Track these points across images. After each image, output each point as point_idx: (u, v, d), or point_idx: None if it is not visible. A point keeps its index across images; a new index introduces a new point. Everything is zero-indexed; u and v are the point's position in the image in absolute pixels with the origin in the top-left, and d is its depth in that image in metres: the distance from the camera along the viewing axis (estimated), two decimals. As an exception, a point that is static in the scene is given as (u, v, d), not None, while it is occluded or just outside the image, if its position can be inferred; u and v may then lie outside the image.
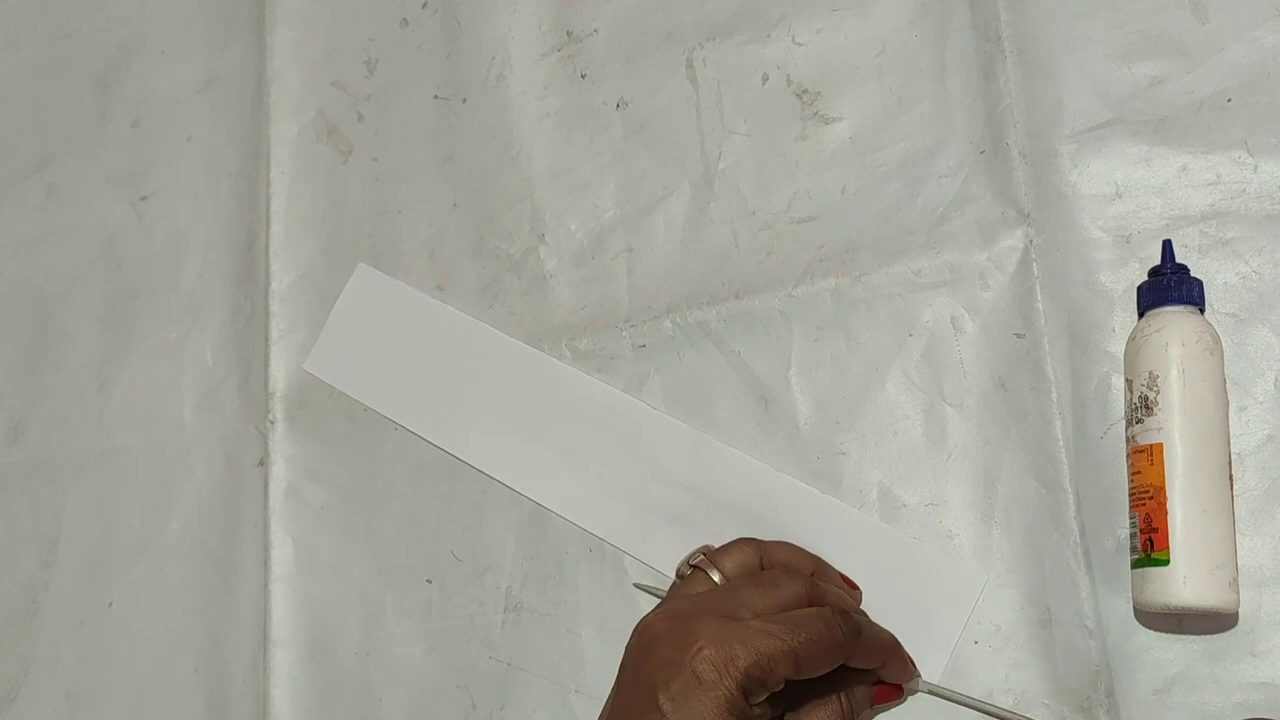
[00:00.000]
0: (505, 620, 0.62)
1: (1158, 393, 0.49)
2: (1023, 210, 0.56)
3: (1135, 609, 0.51)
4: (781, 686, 0.46)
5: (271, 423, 0.69)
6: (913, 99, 0.59)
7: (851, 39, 0.61)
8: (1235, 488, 0.50)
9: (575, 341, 0.63)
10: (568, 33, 0.67)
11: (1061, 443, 0.54)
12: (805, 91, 0.62)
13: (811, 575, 0.52)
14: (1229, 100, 0.54)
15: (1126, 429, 0.51)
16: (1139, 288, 0.53)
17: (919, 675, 0.53)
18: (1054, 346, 0.55)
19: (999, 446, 0.55)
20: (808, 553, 0.54)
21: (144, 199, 0.76)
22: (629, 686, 0.47)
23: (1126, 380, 0.51)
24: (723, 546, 0.53)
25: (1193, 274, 0.52)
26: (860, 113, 0.60)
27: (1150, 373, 0.50)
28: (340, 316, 0.64)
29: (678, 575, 0.53)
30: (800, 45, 0.62)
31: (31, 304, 0.78)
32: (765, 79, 0.62)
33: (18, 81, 0.83)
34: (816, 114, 0.61)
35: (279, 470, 0.68)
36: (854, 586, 0.55)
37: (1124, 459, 0.52)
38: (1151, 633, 0.51)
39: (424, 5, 0.71)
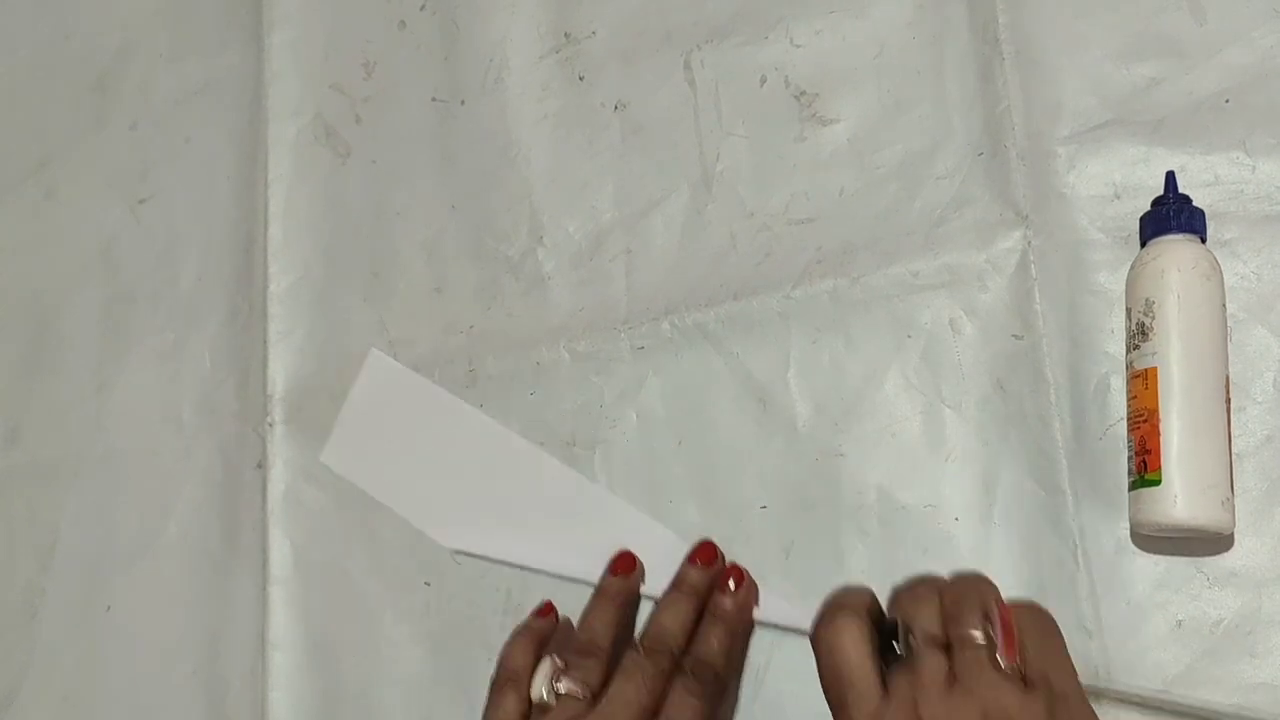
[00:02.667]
0: (504, 623, 0.62)
1: (1154, 318, 0.50)
2: (1021, 212, 0.56)
3: (1131, 534, 0.52)
4: None
5: (270, 425, 0.69)
6: (911, 101, 0.59)
7: (849, 41, 0.61)
8: (1235, 488, 0.50)
9: (573, 343, 0.63)
10: (566, 35, 0.67)
11: (1060, 444, 0.54)
12: (803, 93, 0.62)
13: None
14: (1227, 101, 0.54)
15: (1126, 356, 0.52)
16: (1141, 219, 0.53)
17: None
18: (1052, 348, 0.55)
19: (997, 448, 0.55)
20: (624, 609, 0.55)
21: (142, 201, 0.76)
22: None
23: (1126, 309, 0.52)
24: (570, 659, 0.52)
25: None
26: (858, 114, 0.60)
27: (1147, 299, 0.50)
28: (354, 407, 0.64)
29: (535, 703, 0.52)
30: (798, 47, 0.62)
31: (30, 306, 0.78)
32: (763, 80, 0.62)
33: (16, 83, 0.83)
34: (814, 115, 0.61)
35: (277, 473, 0.68)
36: (739, 579, 0.54)
37: (1123, 460, 0.52)
38: (1151, 633, 0.51)
39: (422, 7, 0.71)
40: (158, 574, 0.70)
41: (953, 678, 0.42)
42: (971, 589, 0.45)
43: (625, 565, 0.57)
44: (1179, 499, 0.48)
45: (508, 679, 0.53)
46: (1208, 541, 0.51)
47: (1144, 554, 0.52)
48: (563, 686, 0.51)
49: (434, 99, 0.70)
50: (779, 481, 0.58)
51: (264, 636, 0.66)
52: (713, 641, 0.52)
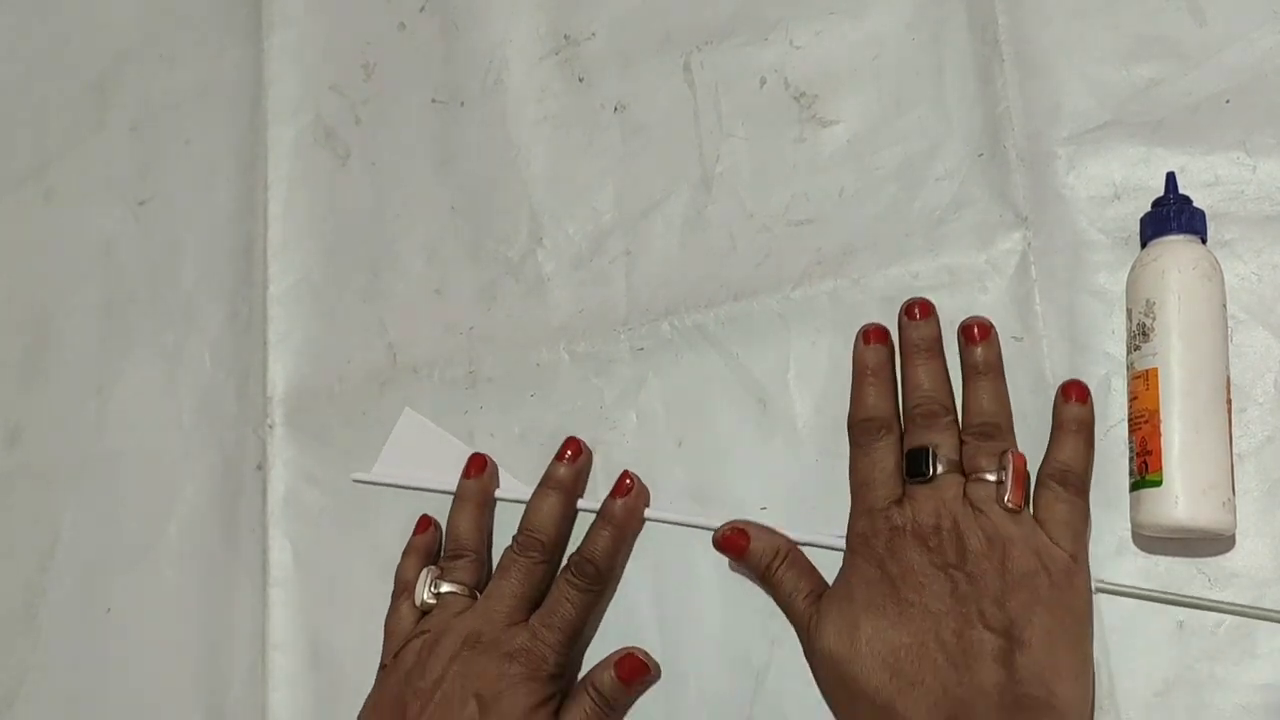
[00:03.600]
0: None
1: (1154, 319, 0.50)
2: (1021, 213, 0.56)
3: (1132, 534, 0.52)
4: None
5: (270, 427, 0.69)
6: (910, 102, 0.59)
7: (849, 42, 0.61)
8: (1236, 489, 0.50)
9: (573, 345, 0.63)
10: (565, 36, 0.67)
11: (1060, 445, 0.54)
12: (803, 94, 0.62)
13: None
14: (1227, 101, 0.54)
15: (1126, 357, 0.52)
16: (1141, 219, 0.53)
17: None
18: (1052, 348, 0.55)
19: (998, 449, 0.55)
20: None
21: (142, 203, 0.76)
22: (428, 692, 0.54)
23: (1126, 310, 0.52)
24: (445, 564, 0.59)
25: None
26: (858, 115, 0.60)
27: (1148, 300, 0.50)
28: (385, 461, 0.65)
29: (421, 607, 0.58)
30: (798, 48, 0.62)
31: (30, 308, 0.78)
32: (763, 82, 0.62)
33: (16, 85, 0.83)
34: (814, 117, 0.61)
35: (277, 474, 0.68)
36: (628, 488, 0.58)
37: (1123, 461, 0.52)
38: (1151, 634, 0.51)
39: (421, 9, 0.71)
40: (158, 575, 0.70)
41: (967, 498, 0.51)
42: (993, 428, 0.52)
43: (477, 467, 0.61)
44: (1180, 500, 0.48)
45: (400, 591, 0.60)
46: (1209, 542, 0.51)
47: (1145, 554, 0.52)
48: (442, 587, 0.57)
49: (434, 100, 0.70)
50: (779, 482, 0.58)
51: (264, 637, 0.66)
52: (599, 541, 0.57)
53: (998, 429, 0.52)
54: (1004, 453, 0.51)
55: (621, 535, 0.58)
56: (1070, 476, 0.51)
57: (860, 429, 0.54)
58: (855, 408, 0.55)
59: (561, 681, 0.55)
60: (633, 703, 0.57)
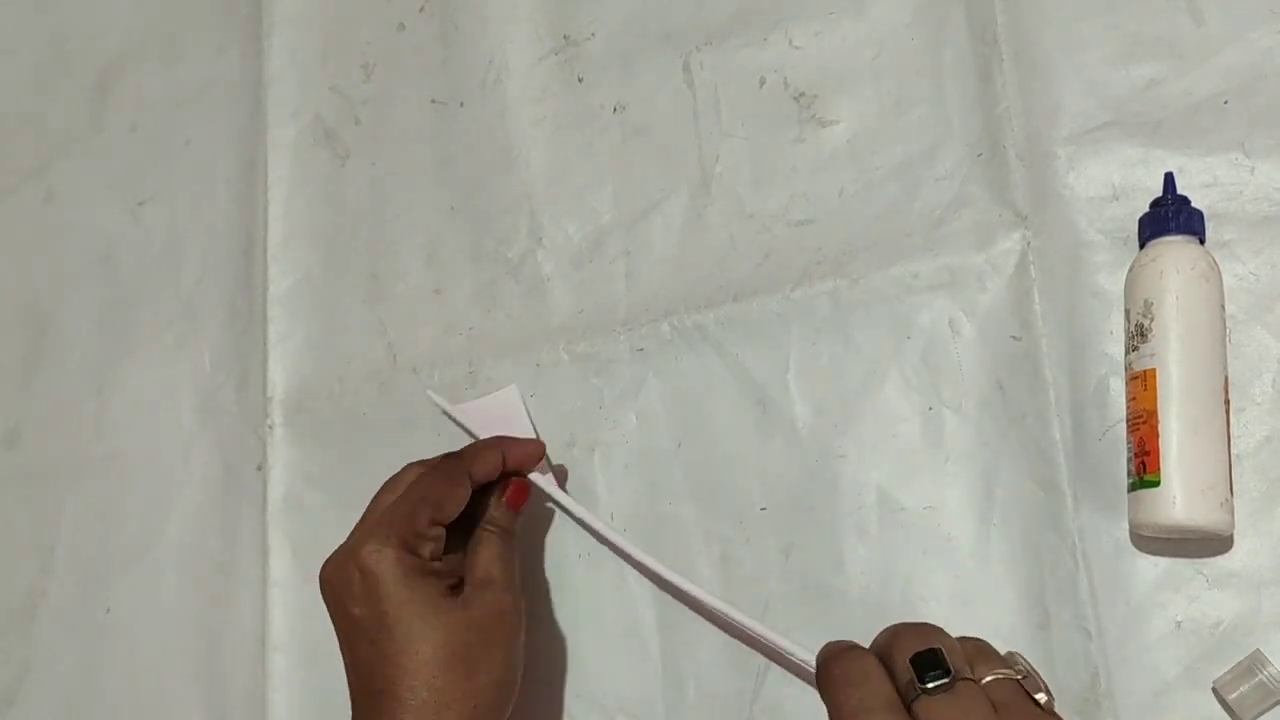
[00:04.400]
0: (504, 624, 0.62)
1: (1152, 320, 0.50)
2: (1020, 212, 0.56)
3: (1131, 535, 0.52)
4: (440, 533, 0.53)
5: (270, 427, 0.69)
6: (910, 102, 0.59)
7: (848, 42, 0.61)
8: (1234, 489, 0.50)
9: (573, 345, 0.63)
10: (565, 37, 0.67)
11: (1059, 444, 0.54)
12: (802, 94, 0.62)
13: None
14: (1226, 102, 0.54)
15: (1125, 357, 0.52)
16: (1139, 220, 0.53)
17: (545, 460, 0.59)
18: (1052, 348, 0.55)
19: (997, 449, 0.55)
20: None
21: (141, 204, 0.76)
22: (339, 624, 0.53)
23: (1125, 311, 0.52)
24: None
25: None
26: (858, 116, 0.60)
27: (1146, 300, 0.50)
28: (467, 411, 0.63)
29: None
30: (797, 48, 0.62)
31: (29, 309, 0.78)
32: (762, 82, 0.62)
33: (15, 86, 0.83)
34: (814, 117, 0.61)
35: (277, 475, 0.68)
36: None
37: (1122, 461, 0.52)
38: (1151, 634, 0.51)
39: (421, 9, 0.71)
40: (158, 575, 0.70)
41: (994, 707, 0.38)
42: (974, 641, 0.42)
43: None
44: (1178, 500, 0.48)
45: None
46: (1207, 542, 0.51)
47: (1143, 555, 0.52)
48: None
49: (433, 101, 0.70)
50: (778, 483, 0.58)
51: (264, 638, 0.66)
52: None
53: (982, 642, 0.42)
54: (1008, 655, 0.42)
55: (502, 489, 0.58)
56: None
57: (830, 651, 0.42)
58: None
59: (428, 545, 0.53)
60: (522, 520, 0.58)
